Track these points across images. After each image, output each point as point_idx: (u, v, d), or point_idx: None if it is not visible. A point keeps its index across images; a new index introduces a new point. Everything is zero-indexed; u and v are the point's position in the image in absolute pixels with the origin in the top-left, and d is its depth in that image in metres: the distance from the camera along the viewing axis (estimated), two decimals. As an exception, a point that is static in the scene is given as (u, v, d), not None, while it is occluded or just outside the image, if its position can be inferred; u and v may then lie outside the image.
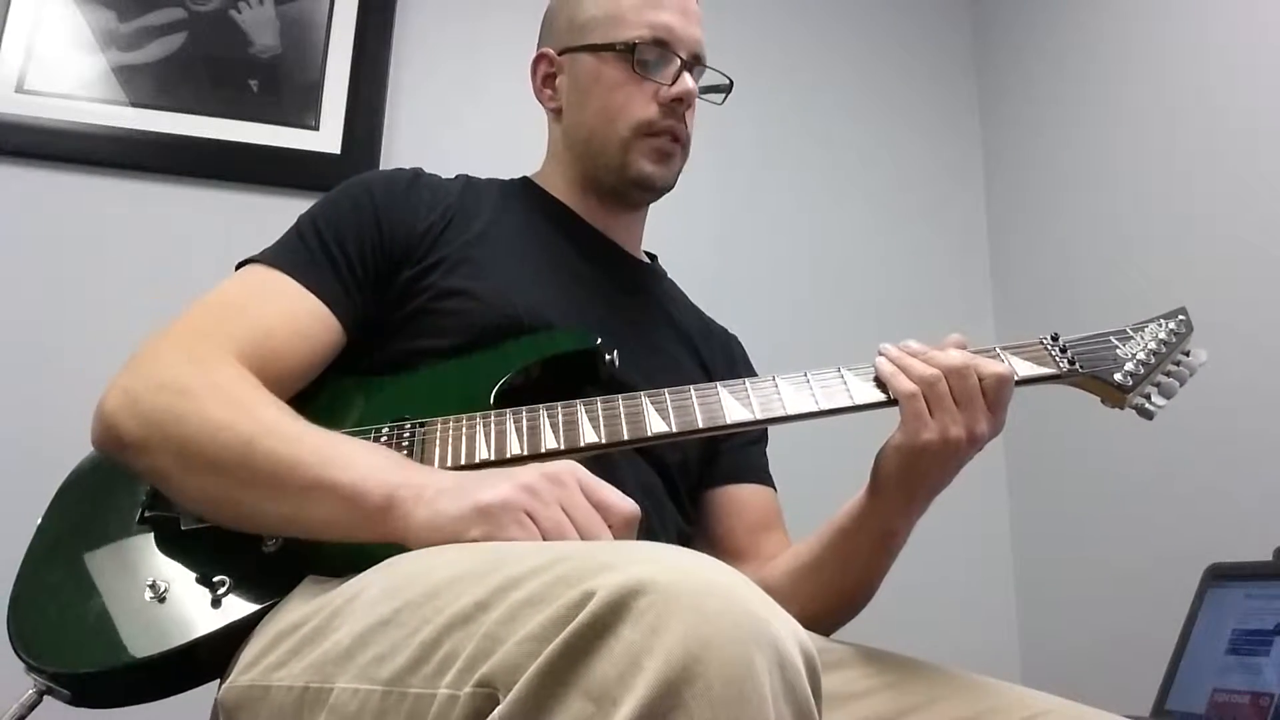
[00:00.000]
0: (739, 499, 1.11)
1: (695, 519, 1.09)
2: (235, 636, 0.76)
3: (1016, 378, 0.89)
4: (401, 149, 1.85)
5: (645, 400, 0.87)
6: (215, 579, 0.78)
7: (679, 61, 1.05)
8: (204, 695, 0.80)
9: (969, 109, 2.28)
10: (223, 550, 0.80)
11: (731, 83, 1.14)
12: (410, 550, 0.70)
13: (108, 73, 1.74)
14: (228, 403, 0.80)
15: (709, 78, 1.12)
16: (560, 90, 1.12)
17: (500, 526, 0.68)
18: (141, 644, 0.75)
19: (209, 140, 1.75)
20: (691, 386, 0.89)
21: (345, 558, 0.74)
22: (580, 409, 0.87)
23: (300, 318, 0.92)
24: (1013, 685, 0.86)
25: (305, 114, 1.82)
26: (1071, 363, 0.92)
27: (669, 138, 1.06)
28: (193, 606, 0.77)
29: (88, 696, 0.78)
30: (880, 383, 0.89)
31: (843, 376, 0.90)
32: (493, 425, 0.86)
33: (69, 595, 0.79)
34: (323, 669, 0.64)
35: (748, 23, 2.14)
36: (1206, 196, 1.65)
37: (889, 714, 0.83)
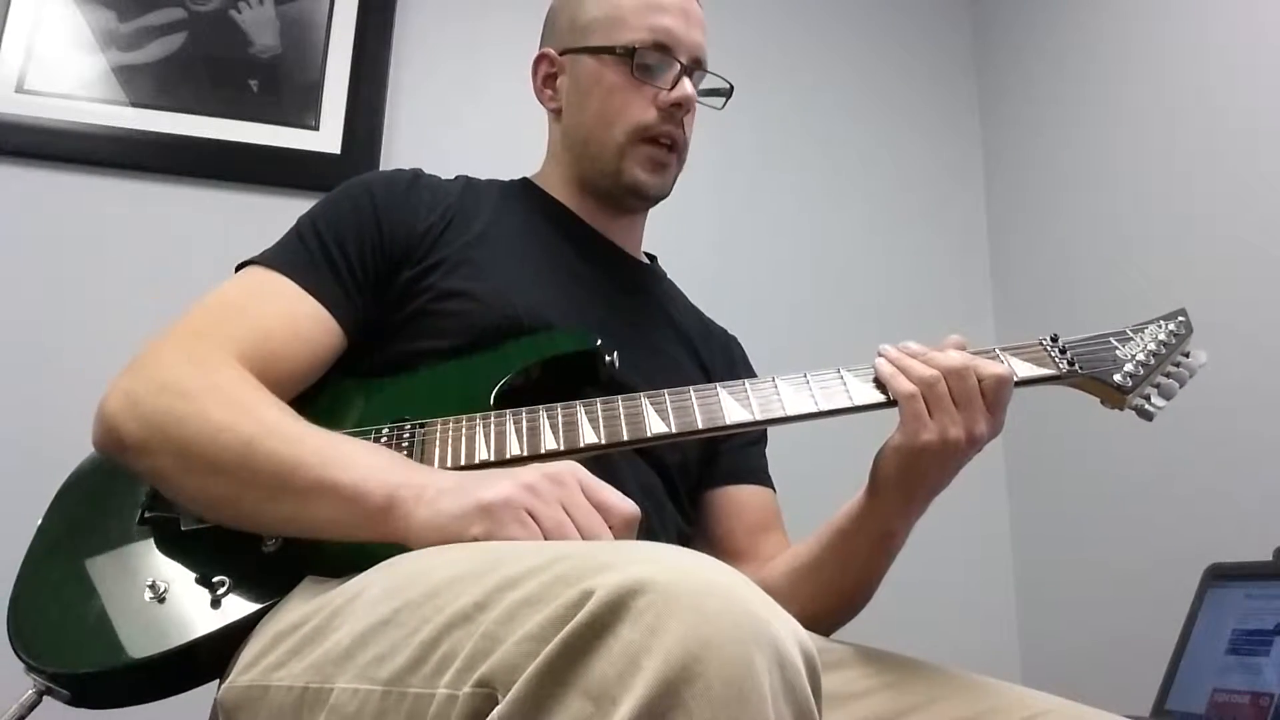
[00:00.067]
0: (738, 500, 1.11)
1: (695, 520, 1.10)
2: (235, 637, 0.76)
3: (1016, 379, 0.89)
4: (401, 149, 1.85)
5: (645, 401, 0.87)
6: (215, 579, 0.79)
7: (679, 66, 1.05)
8: (204, 695, 0.80)
9: (969, 109, 2.28)
10: (222, 550, 0.80)
11: (732, 87, 1.13)
12: (411, 550, 0.71)
13: (108, 73, 1.74)
14: (228, 404, 0.80)
15: (710, 81, 1.12)
16: (560, 91, 1.11)
17: (501, 525, 0.68)
18: (141, 644, 0.75)
19: (209, 140, 1.75)
20: (691, 387, 0.89)
21: (345, 558, 0.74)
22: (580, 410, 0.87)
23: (300, 320, 0.92)
24: (1013, 685, 0.86)
25: (305, 114, 1.82)
26: (1071, 364, 0.92)
27: (665, 146, 1.06)
28: (192, 607, 0.77)
29: (87, 696, 0.78)
30: (880, 384, 0.89)
31: (842, 377, 0.90)
32: (492, 426, 0.86)
33: (69, 595, 0.79)
34: (322, 669, 0.64)
35: (747, 23, 2.14)
36: (1206, 196, 1.65)
37: (889, 714, 0.83)
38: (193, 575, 0.79)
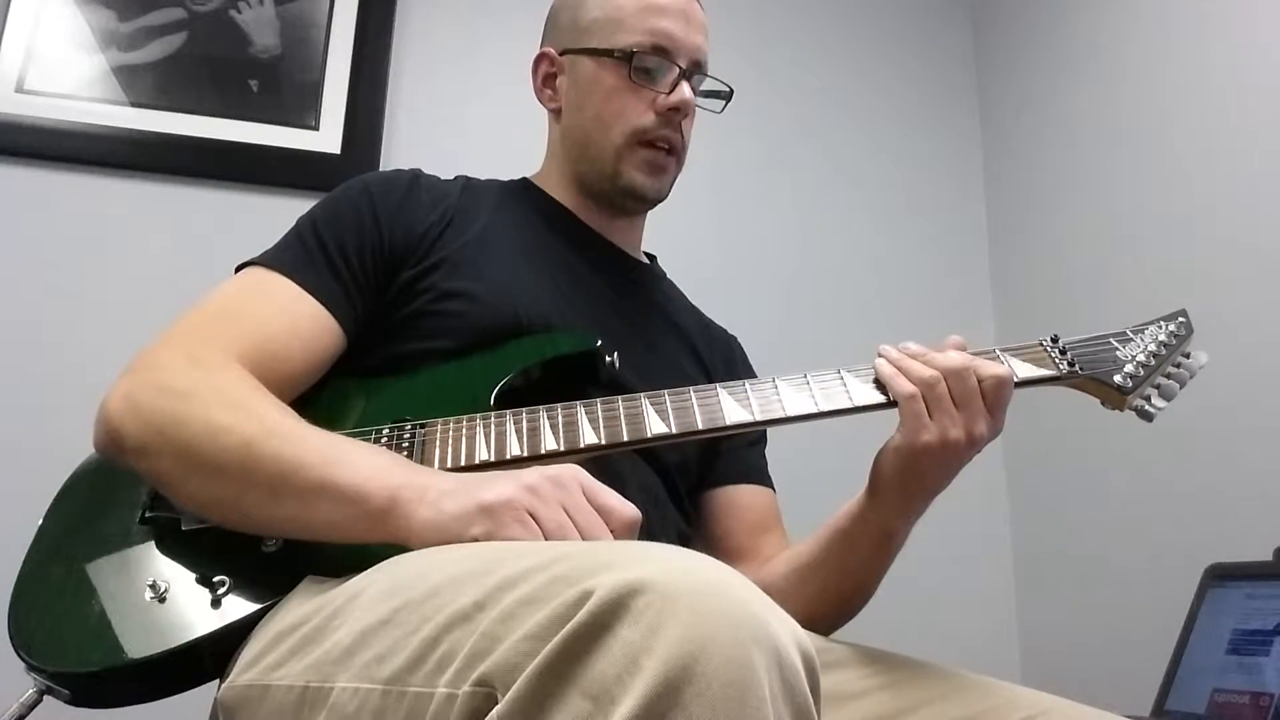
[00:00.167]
0: (738, 500, 1.11)
1: (695, 520, 1.10)
2: (235, 637, 0.76)
3: (1016, 379, 0.89)
4: (401, 149, 1.85)
5: (645, 402, 0.87)
6: (215, 579, 0.79)
7: (678, 70, 1.05)
8: (204, 695, 0.80)
9: (969, 109, 2.28)
10: (223, 550, 0.80)
11: (731, 91, 1.13)
12: (412, 550, 0.71)
13: (108, 73, 1.74)
14: (229, 405, 0.80)
15: (710, 84, 1.12)
16: (560, 91, 1.11)
17: (502, 525, 0.68)
18: (141, 644, 0.75)
19: (209, 140, 1.75)
20: (691, 388, 0.89)
21: (346, 558, 0.74)
22: (580, 410, 0.87)
23: (300, 320, 0.92)
24: (1012, 685, 0.86)
25: (305, 114, 1.82)
26: (1071, 364, 0.92)
27: (663, 149, 1.06)
28: (193, 607, 0.77)
29: (87, 696, 0.78)
30: (880, 384, 0.89)
31: (842, 378, 0.90)
32: (493, 426, 0.86)
33: (69, 595, 0.79)
34: (322, 668, 0.64)
35: (748, 23, 2.14)
36: (1206, 196, 1.65)
37: (888, 714, 0.84)
38: (193, 575, 0.79)
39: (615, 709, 0.46)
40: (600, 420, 0.86)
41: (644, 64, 1.05)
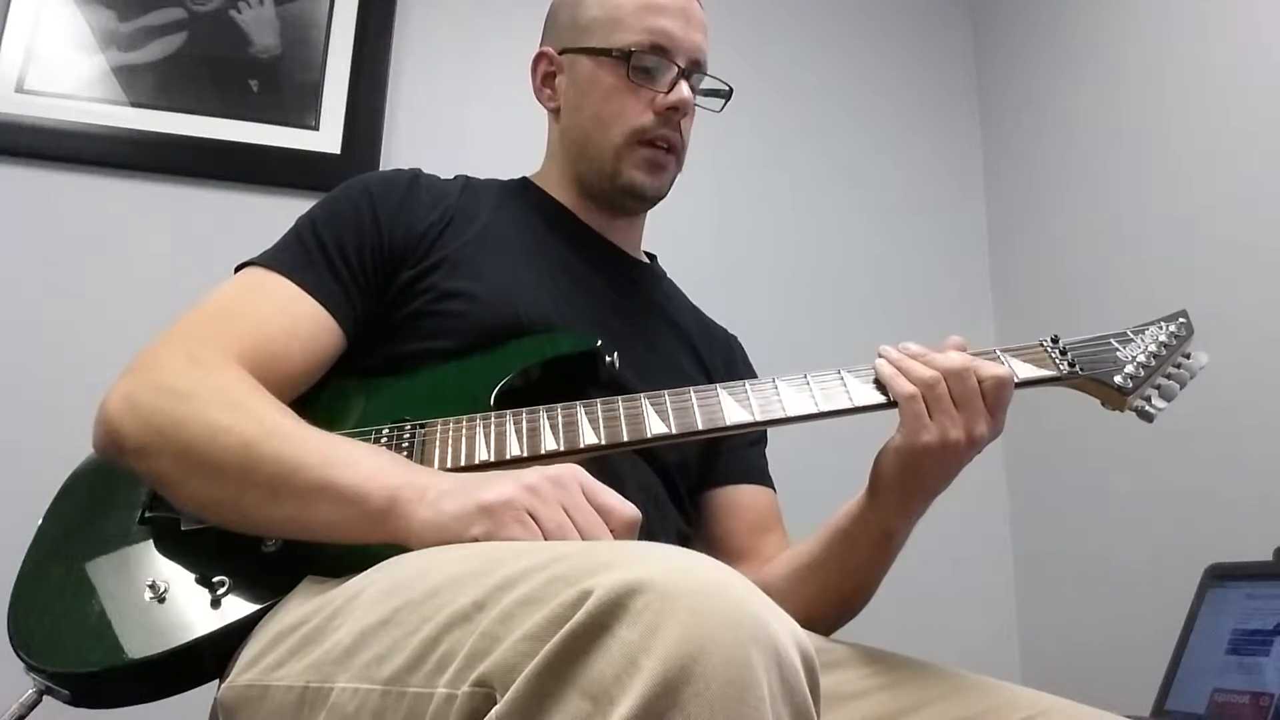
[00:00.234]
0: (738, 500, 1.11)
1: (695, 520, 1.10)
2: (235, 637, 0.76)
3: (1016, 380, 0.89)
4: (401, 149, 1.85)
5: (645, 402, 0.87)
6: (215, 579, 0.79)
7: (676, 69, 1.05)
8: (204, 695, 0.80)
9: (969, 109, 2.28)
10: (223, 550, 0.80)
11: (731, 90, 1.13)
12: (411, 551, 0.71)
13: (108, 73, 1.74)
14: (229, 406, 0.80)
15: (710, 83, 1.11)
16: (559, 90, 1.11)
17: (502, 525, 0.68)
18: (141, 644, 0.75)
19: (209, 140, 1.75)
20: (691, 388, 0.89)
21: (346, 558, 0.74)
22: (580, 410, 0.87)
23: (300, 321, 0.92)
24: (1012, 685, 0.86)
25: (305, 114, 1.82)
26: (1072, 365, 0.92)
27: (663, 146, 1.05)
28: (192, 607, 0.77)
29: (87, 696, 0.78)
30: (880, 385, 0.89)
31: (842, 378, 0.90)
32: (492, 426, 0.86)
33: (69, 595, 0.79)
34: (322, 669, 0.64)
35: (747, 22, 2.14)
36: (1206, 196, 1.65)
37: (888, 714, 0.83)
38: (193, 575, 0.79)
39: (614, 709, 0.46)
40: (600, 420, 0.86)
41: (642, 63, 1.04)
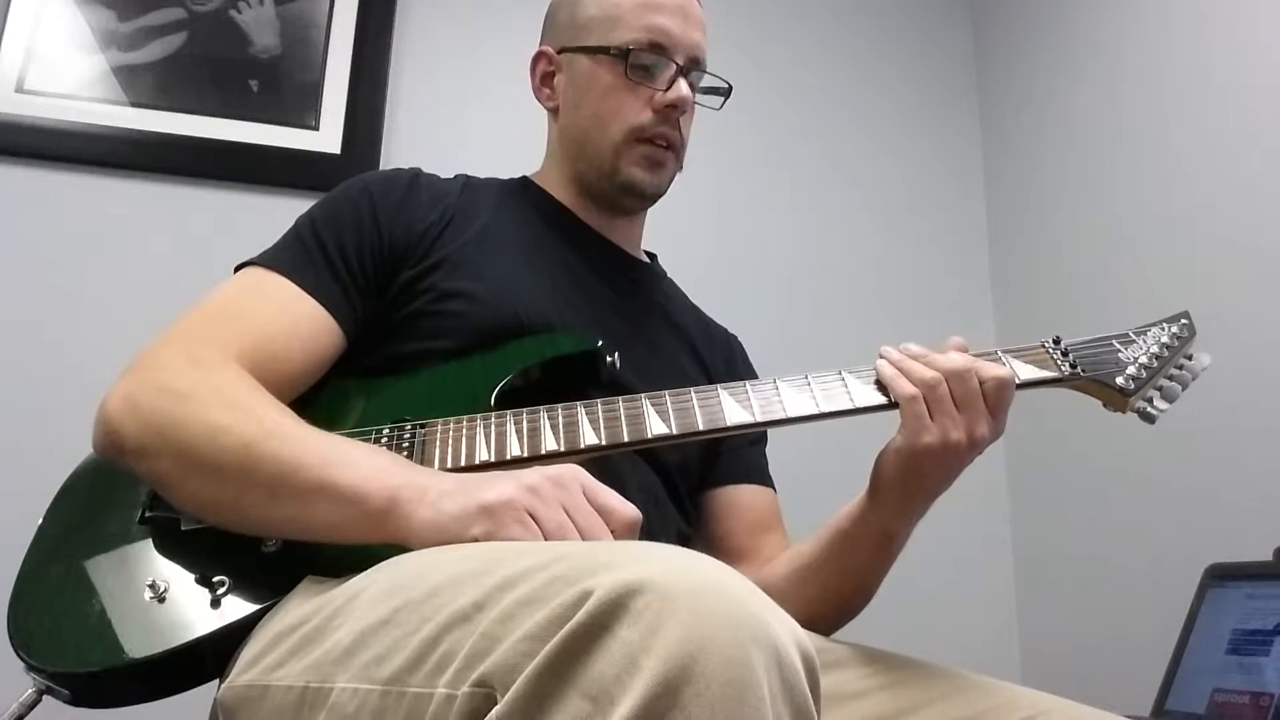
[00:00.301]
0: (739, 500, 1.11)
1: (695, 520, 1.09)
2: (235, 637, 0.76)
3: (1017, 381, 0.89)
4: (401, 149, 1.85)
5: (645, 402, 0.87)
6: (215, 579, 0.79)
7: (675, 66, 1.05)
8: (204, 695, 0.80)
9: (969, 109, 2.28)
10: (222, 550, 0.80)
11: (730, 87, 1.13)
12: (411, 551, 0.71)
13: (108, 73, 1.74)
14: (228, 406, 0.80)
15: (709, 81, 1.11)
16: (558, 90, 1.11)
17: (502, 525, 0.68)
18: (141, 644, 0.75)
19: (209, 140, 1.75)
20: (692, 389, 0.89)
21: (346, 558, 0.74)
22: (580, 410, 0.87)
23: (300, 321, 0.92)
24: (1012, 685, 0.86)
25: (305, 114, 1.82)
26: (1073, 366, 0.92)
27: (662, 144, 1.05)
28: (192, 607, 0.77)
29: (87, 696, 0.78)
30: (881, 385, 0.89)
31: (843, 379, 0.90)
32: (493, 427, 0.86)
33: (69, 595, 0.79)
34: (322, 669, 0.64)
35: (747, 21, 2.14)
36: (1207, 197, 1.65)
37: (888, 714, 0.83)
38: (193, 575, 0.79)
39: (614, 709, 0.46)
40: (600, 421, 0.86)
41: (641, 61, 1.04)
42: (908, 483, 0.89)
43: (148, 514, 0.83)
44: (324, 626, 0.67)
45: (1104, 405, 0.95)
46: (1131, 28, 1.86)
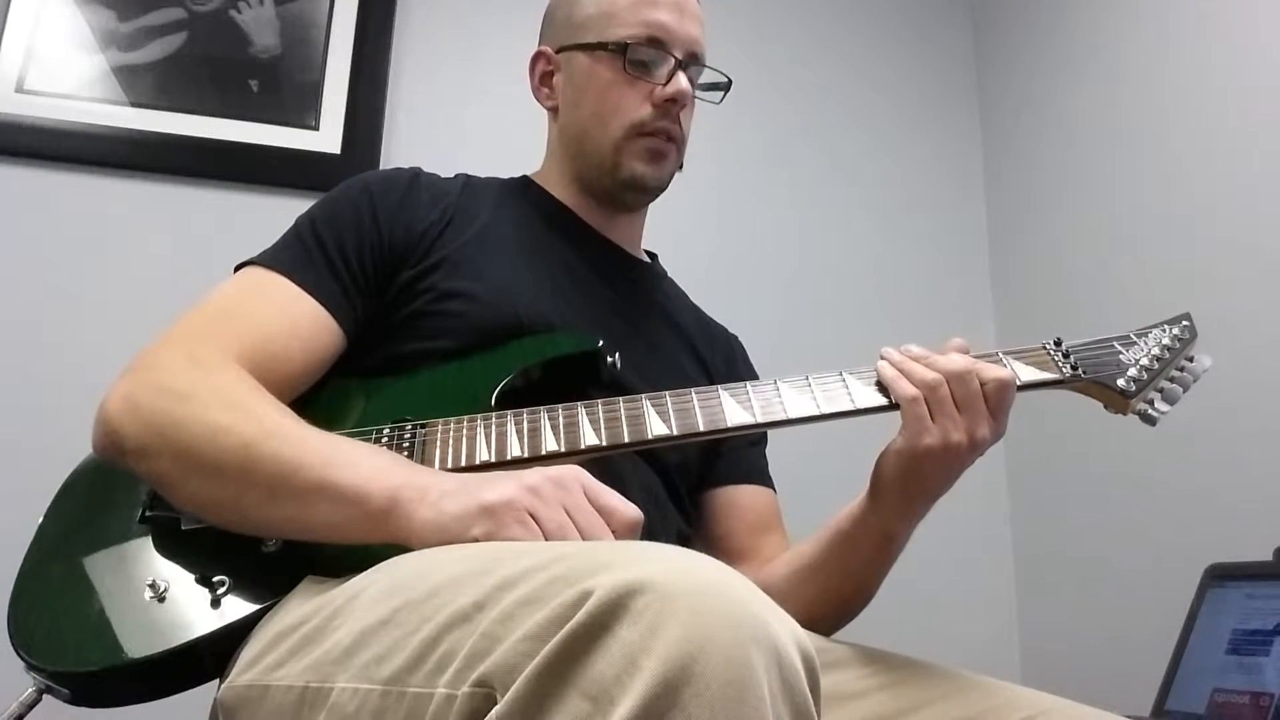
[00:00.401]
0: (739, 500, 1.11)
1: (695, 520, 1.09)
2: (235, 636, 0.76)
3: (1018, 382, 0.89)
4: (401, 149, 1.85)
5: (646, 402, 0.87)
6: (215, 579, 0.79)
7: (673, 61, 1.05)
8: (204, 695, 0.80)
9: (969, 109, 2.28)
10: (223, 550, 0.80)
11: (730, 81, 1.13)
12: (412, 551, 0.71)
13: (108, 73, 1.74)
14: (228, 406, 0.80)
15: (709, 76, 1.11)
16: (557, 89, 1.11)
17: (503, 525, 0.68)
18: (141, 644, 0.75)
19: (209, 140, 1.75)
20: (693, 389, 0.89)
21: (346, 558, 0.74)
22: (581, 411, 0.87)
23: (300, 321, 0.92)
24: (1012, 685, 0.86)
25: (305, 114, 1.82)
26: (1075, 368, 0.92)
27: (663, 138, 1.05)
28: (192, 606, 0.77)
29: (87, 696, 0.78)
30: (882, 387, 0.89)
31: (844, 380, 0.90)
32: (493, 427, 0.86)
33: (69, 594, 0.79)
34: (322, 669, 0.64)
35: (746, 19, 2.14)
36: (1207, 197, 1.65)
37: (888, 714, 0.83)
38: (193, 575, 0.79)
39: (614, 709, 0.46)
40: (601, 421, 0.86)
41: (639, 56, 1.04)
42: (908, 484, 0.89)
43: (148, 514, 0.83)
44: (324, 626, 0.67)
45: (1105, 407, 0.95)
46: (1131, 28, 1.86)
